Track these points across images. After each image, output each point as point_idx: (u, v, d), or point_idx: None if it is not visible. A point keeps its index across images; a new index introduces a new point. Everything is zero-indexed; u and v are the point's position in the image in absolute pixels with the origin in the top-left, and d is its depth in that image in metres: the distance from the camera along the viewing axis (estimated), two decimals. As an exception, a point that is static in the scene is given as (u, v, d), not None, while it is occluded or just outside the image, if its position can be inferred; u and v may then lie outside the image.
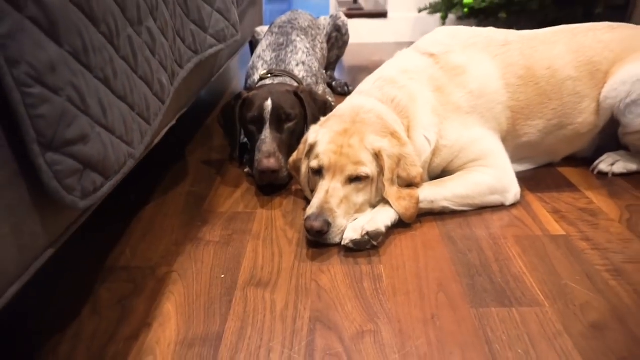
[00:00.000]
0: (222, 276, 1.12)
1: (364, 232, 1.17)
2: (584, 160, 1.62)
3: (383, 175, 1.25)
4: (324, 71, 2.25)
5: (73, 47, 0.68)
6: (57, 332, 0.96)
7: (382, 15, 3.96)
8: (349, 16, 3.86)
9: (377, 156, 1.25)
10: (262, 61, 1.91)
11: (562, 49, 1.48)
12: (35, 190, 0.65)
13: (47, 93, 0.62)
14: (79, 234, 0.93)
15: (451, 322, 0.96)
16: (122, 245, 1.25)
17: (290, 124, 1.55)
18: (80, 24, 0.70)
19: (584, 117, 1.50)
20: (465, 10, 2.95)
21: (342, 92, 2.43)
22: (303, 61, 1.90)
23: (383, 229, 1.20)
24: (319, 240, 1.20)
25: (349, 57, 3.41)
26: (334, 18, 2.45)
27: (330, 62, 2.56)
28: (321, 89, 1.97)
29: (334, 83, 2.54)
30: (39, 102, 0.60)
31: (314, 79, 1.91)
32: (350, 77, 2.79)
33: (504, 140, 1.47)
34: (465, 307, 1.00)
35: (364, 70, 1.55)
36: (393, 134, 1.29)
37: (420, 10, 3.51)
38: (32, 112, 0.59)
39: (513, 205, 1.38)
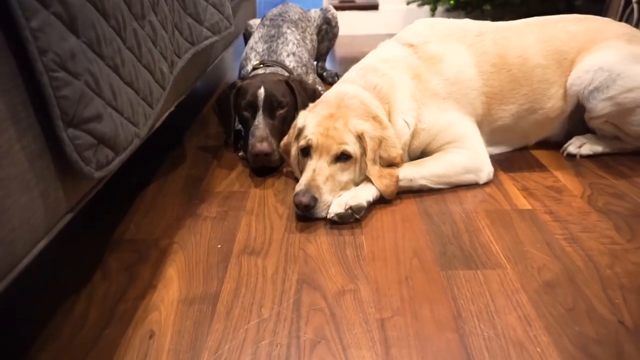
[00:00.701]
0: (219, 246, 1.24)
1: (348, 207, 1.29)
2: (555, 143, 1.74)
3: (366, 155, 1.37)
4: (314, 62, 2.36)
5: (88, 38, 0.79)
6: (73, 293, 1.08)
7: (374, 7, 4.06)
8: (342, 8, 3.97)
9: (360, 138, 1.36)
10: (254, 52, 2.02)
11: (533, 38, 1.59)
12: (59, 161, 0.76)
13: (69, 77, 0.73)
14: (89, 210, 1.05)
15: (422, 283, 1.08)
16: (127, 221, 1.37)
17: (281, 111, 1.66)
18: (93, 18, 0.81)
19: (553, 102, 1.62)
20: (452, 2, 3.06)
21: (332, 82, 2.54)
22: (293, 52, 2.01)
23: (365, 204, 1.32)
24: (306, 215, 1.32)
25: (341, 49, 3.52)
26: (324, 11, 2.56)
27: (321, 54, 2.67)
28: (311, 78, 2.08)
29: (324, 73, 2.65)
30: (62, 85, 0.71)
31: (304, 69, 2.02)
32: (342, 68, 2.89)
33: (480, 124, 1.59)
34: (435, 270, 1.12)
35: (355, 61, 1.65)
36: (375, 118, 1.41)
37: (408, 3, 3.61)
38: (57, 93, 0.70)
39: (486, 183, 1.50)
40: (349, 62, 3.27)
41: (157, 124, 1.36)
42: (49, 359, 0.92)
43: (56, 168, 0.76)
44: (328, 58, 2.85)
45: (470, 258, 1.16)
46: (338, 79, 2.54)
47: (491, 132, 1.63)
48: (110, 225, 1.35)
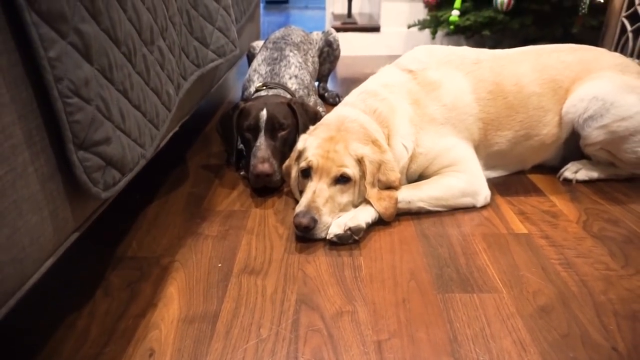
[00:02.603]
0: (219, 265, 1.26)
1: (347, 228, 1.31)
2: (551, 168, 1.78)
3: (365, 178, 1.40)
4: (316, 82, 2.41)
5: (101, 65, 0.83)
6: (74, 310, 1.10)
7: (375, 29, 4.14)
8: (344, 30, 4.05)
9: (360, 161, 1.40)
10: (257, 74, 2.07)
11: (528, 67, 1.64)
12: (69, 183, 0.79)
13: (81, 103, 0.76)
14: (92, 227, 1.07)
15: (419, 305, 1.10)
16: (130, 238, 1.39)
17: (283, 133, 1.70)
18: (107, 46, 0.85)
19: (548, 129, 1.65)
20: (452, 27, 3.13)
21: (333, 103, 2.59)
22: (296, 75, 2.06)
23: (364, 225, 1.35)
24: (306, 235, 1.34)
25: (343, 69, 3.58)
26: (326, 34, 2.62)
27: (323, 75, 2.72)
28: (312, 100, 2.12)
29: (326, 94, 2.70)
30: (75, 110, 0.75)
31: (305, 91, 2.06)
32: (343, 88, 2.95)
33: (477, 149, 1.62)
34: (432, 292, 1.14)
35: (357, 81, 1.70)
36: (374, 142, 1.44)
37: (409, 26, 3.69)
38: (70, 118, 0.74)
39: (483, 207, 1.53)
40: (350, 82, 3.36)
41: (162, 144, 1.39)
42: (50, 376, 0.93)
43: (66, 189, 0.79)
44: (330, 78, 2.90)
45: (467, 281, 1.18)
46: (339, 99, 2.59)
47: (488, 156, 1.66)
48: (113, 242, 1.37)
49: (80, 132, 0.77)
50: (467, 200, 1.52)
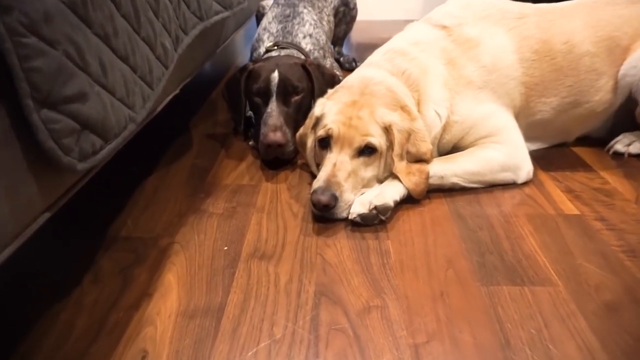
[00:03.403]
0: (225, 248, 1.09)
1: (372, 206, 1.14)
2: (598, 140, 1.57)
3: (392, 150, 1.22)
4: (332, 45, 2.19)
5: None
6: (58, 299, 0.95)
7: (392, -9, 3.86)
8: (358, -9, 3.77)
9: (387, 130, 1.21)
10: (267, 33, 1.86)
11: (580, 23, 1.42)
12: (31, 151, 0.62)
13: (42, 45, 0.58)
14: (81, 203, 0.91)
15: (460, 299, 0.93)
16: (124, 215, 1.23)
17: (297, 97, 1.51)
18: (77, -26, 0.66)
19: (601, 95, 1.44)
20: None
21: (350, 68, 2.37)
22: (310, 34, 1.85)
23: (391, 204, 1.17)
24: (325, 215, 1.17)
25: (357, 34, 3.33)
26: (342, -9, 2.38)
27: (338, 38, 2.50)
28: (328, 62, 1.92)
29: (341, 59, 2.48)
30: (33, 54, 0.56)
31: (321, 52, 1.86)
32: (357, 55, 2.72)
33: (517, 117, 1.42)
34: (474, 284, 0.97)
35: (373, 47, 1.50)
36: (403, 108, 1.25)
37: (431, -13, 3.41)
38: (25, 64, 0.56)
39: (525, 183, 1.34)
40: (365, 48, 3.12)
41: (160, 108, 1.20)
42: (24, 381, 0.78)
43: (27, 159, 0.62)
44: (344, 43, 2.68)
45: (514, 271, 1.01)
46: (356, 64, 2.38)
47: (528, 126, 1.46)
48: (105, 220, 1.21)
49: (43, 84, 0.59)
50: (507, 176, 1.33)
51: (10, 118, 0.58)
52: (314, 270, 1.02)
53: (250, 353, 0.82)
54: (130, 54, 0.84)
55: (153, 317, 0.90)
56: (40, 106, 0.59)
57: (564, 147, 1.57)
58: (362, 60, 1.50)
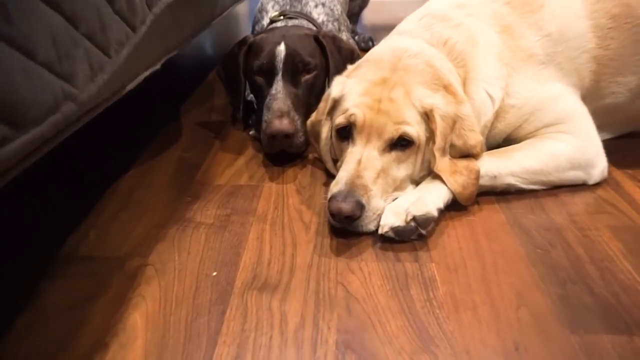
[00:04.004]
0: (214, 274, 0.82)
1: (410, 217, 0.86)
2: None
3: (433, 142, 0.93)
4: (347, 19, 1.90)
5: None
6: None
7: (409, -33, 3.54)
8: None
9: (427, 117, 0.93)
10: (272, 2, 1.57)
11: (673, -21, 1.12)
12: None
13: None
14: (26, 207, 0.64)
15: (544, 356, 0.65)
16: (87, 225, 0.96)
17: (308, 76, 1.24)
18: None
19: (693, 75, 1.15)
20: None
21: (366, 48, 2.09)
22: (323, 2, 1.56)
23: (435, 213, 0.89)
24: (347, 228, 0.89)
25: (371, 15, 3.04)
26: (358, -43, 2.08)
27: (353, 13, 2.23)
28: (344, 37, 1.62)
29: (356, 37, 2.19)
30: None
31: (335, 24, 1.57)
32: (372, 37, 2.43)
33: (583, 100, 1.13)
34: (561, 331, 0.70)
35: (388, 29, 1.23)
36: (447, 88, 0.97)
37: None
38: None
39: (597, 184, 1.06)
40: (380, 29, 2.81)
41: (131, 86, 0.93)
42: None
43: None
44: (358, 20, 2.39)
45: (613, 311, 0.73)
46: (372, 43, 2.09)
47: (595, 111, 1.16)
48: (60, 232, 0.94)
49: None
50: (576, 175, 1.05)
51: None
52: (335, 309, 0.74)
53: None
54: (67, 1, 0.56)
55: (106, 383, 0.63)
56: None
57: (635, 137, 1.28)
58: (378, 41, 1.21)
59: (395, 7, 3.26)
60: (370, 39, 2.17)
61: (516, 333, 0.69)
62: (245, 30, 2.66)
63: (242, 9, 1.94)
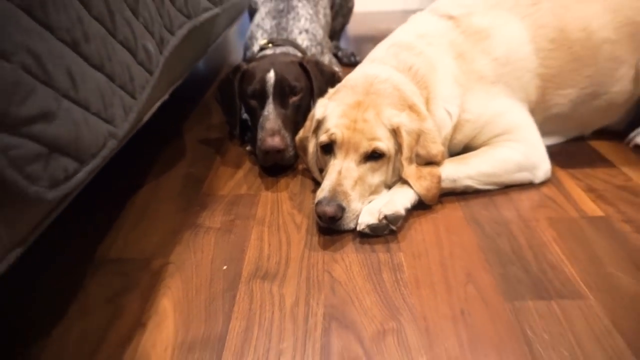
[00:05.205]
0: (225, 268, 1.00)
1: (382, 216, 1.05)
2: (615, 133, 1.48)
3: (401, 153, 1.13)
4: (329, 40, 2.09)
5: (26, 1, 0.55)
6: (41, 335, 0.86)
7: (388, -19, 3.75)
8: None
9: (395, 133, 1.12)
10: (261, 30, 1.76)
11: (599, 7, 1.32)
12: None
13: (-8, 57, 0.49)
14: (65, 222, 0.82)
15: (484, 319, 0.85)
16: (114, 234, 1.14)
17: (295, 98, 1.41)
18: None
19: (621, 86, 1.35)
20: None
21: (349, 63, 2.28)
22: (306, 29, 1.75)
23: (403, 212, 1.08)
24: (331, 227, 1.08)
25: (354, 26, 3.23)
26: (338, -18, 2.28)
27: (335, 31, 2.40)
28: (327, 59, 1.82)
29: (339, 53, 2.38)
30: (-20, 68, 0.47)
31: (318, 48, 1.76)
32: (355, 48, 2.62)
33: (532, 112, 1.33)
34: (498, 300, 0.89)
35: (370, 40, 1.41)
36: (411, 107, 1.16)
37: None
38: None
39: (543, 183, 1.26)
40: (363, 40, 3.01)
41: (146, 118, 1.11)
42: None
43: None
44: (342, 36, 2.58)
45: (540, 284, 0.92)
46: (355, 58, 2.28)
47: (544, 120, 1.37)
48: (93, 238, 1.12)
49: (-3, 104, 0.49)
50: (524, 176, 1.24)
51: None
52: (322, 290, 0.93)
53: (255, 392, 0.73)
54: (106, 61, 0.74)
55: (148, 351, 0.81)
56: (-5, 130, 0.50)
57: (581, 141, 1.48)
58: (361, 53, 1.41)
59: (376, 19, 3.47)
60: (353, 54, 2.35)
61: (463, 303, 0.89)
62: (232, 50, 2.84)
63: (228, 30, 2.12)
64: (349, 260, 1.01)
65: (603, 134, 1.49)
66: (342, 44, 2.63)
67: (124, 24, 0.80)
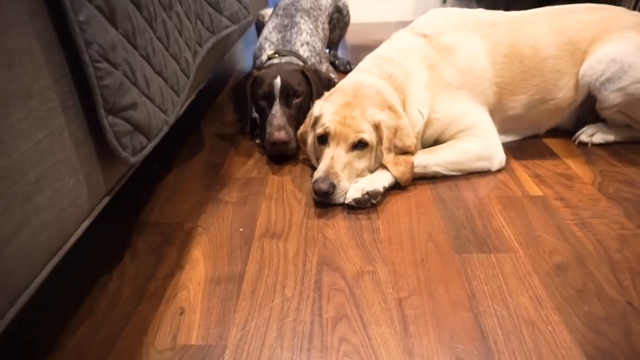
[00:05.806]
0: (241, 229, 1.29)
1: (365, 192, 1.33)
2: (566, 132, 1.77)
3: (381, 144, 1.41)
4: (327, 50, 2.38)
5: (125, 30, 0.84)
6: (105, 272, 1.14)
7: (384, -5, 4.05)
8: (351, -4, 3.95)
9: (377, 127, 1.40)
10: (268, 42, 2.05)
11: (545, 29, 1.61)
12: (100, 147, 0.81)
13: (110, 68, 0.77)
14: (115, 196, 1.10)
15: (438, 265, 1.13)
16: (151, 205, 1.42)
17: (297, 100, 1.70)
18: (129, 10, 0.85)
19: (564, 93, 1.64)
20: (463, -9, 3.05)
21: (345, 70, 2.57)
22: (307, 42, 2.04)
23: (381, 189, 1.37)
24: (325, 201, 1.36)
25: (352, 36, 3.54)
26: (335, 0, 2.58)
27: (333, 42, 2.69)
28: (324, 67, 2.11)
29: (336, 61, 2.67)
30: (105, 75, 0.76)
31: (317, 58, 2.05)
32: (352, 56, 2.92)
33: (492, 113, 1.62)
34: (450, 253, 1.17)
35: (366, 49, 1.69)
36: (391, 108, 1.45)
37: (420, -9, 3.61)
38: (100, 82, 0.75)
39: (499, 170, 1.54)
40: (359, 49, 3.32)
41: (181, 111, 1.40)
42: (87, 332, 0.98)
43: (97, 153, 0.81)
44: (339, 45, 2.87)
45: (484, 242, 1.20)
46: (350, 66, 2.58)
47: (502, 120, 1.66)
48: (135, 209, 1.40)
49: (110, 97, 0.78)
50: (482, 164, 1.53)
51: (88, 122, 0.77)
52: (317, 245, 1.21)
53: (266, 308, 1.01)
54: (164, 69, 1.03)
55: (186, 284, 1.10)
56: (107, 113, 0.79)
57: (536, 138, 1.77)
58: (356, 60, 1.70)
59: (371, 29, 3.77)
60: (348, 63, 2.65)
61: (424, 254, 1.17)
62: (240, 57, 3.14)
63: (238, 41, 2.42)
64: (338, 225, 1.30)
65: (555, 132, 1.79)
66: (340, 53, 2.92)
67: (174, 42, 1.09)
